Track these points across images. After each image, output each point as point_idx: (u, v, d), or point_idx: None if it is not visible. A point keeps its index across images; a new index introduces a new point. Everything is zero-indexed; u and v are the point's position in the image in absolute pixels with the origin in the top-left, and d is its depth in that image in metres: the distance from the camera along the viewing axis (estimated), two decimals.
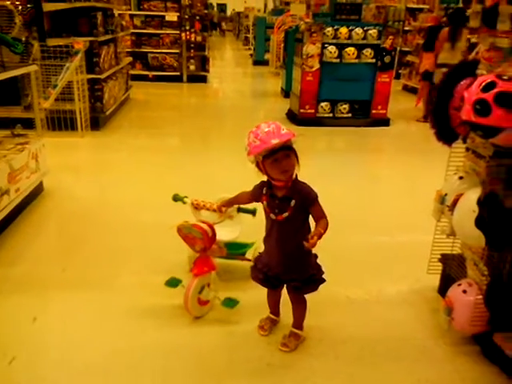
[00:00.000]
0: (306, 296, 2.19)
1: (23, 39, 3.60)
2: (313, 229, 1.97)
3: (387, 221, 3.79)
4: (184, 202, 2.49)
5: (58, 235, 3.53)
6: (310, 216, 2.02)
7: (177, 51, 10.47)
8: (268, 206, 2.02)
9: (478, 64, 2.04)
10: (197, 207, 2.46)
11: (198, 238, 2.29)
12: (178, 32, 10.31)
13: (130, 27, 9.10)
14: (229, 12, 36.31)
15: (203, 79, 10.77)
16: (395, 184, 4.79)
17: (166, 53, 10.47)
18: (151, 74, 10.50)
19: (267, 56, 14.17)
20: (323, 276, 2.13)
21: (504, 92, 1.73)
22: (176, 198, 2.50)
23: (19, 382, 2.01)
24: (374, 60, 6.68)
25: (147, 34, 10.36)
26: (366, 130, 6.86)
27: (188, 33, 10.28)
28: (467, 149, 2.29)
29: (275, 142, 1.84)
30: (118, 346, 2.21)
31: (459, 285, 2.22)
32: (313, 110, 6.81)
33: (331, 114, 6.92)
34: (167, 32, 10.34)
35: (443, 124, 2.15)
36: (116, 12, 7.17)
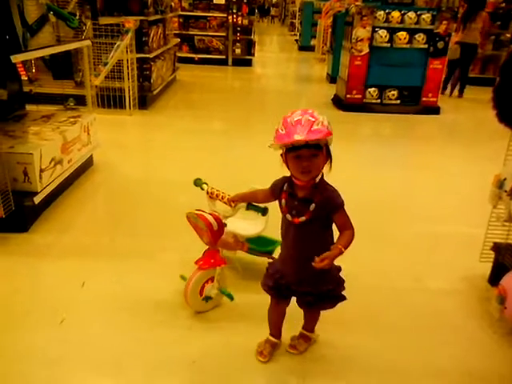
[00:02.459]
0: None
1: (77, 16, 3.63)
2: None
3: (433, 209, 3.70)
4: (202, 189, 2.30)
5: (106, 208, 3.62)
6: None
7: (223, 34, 10.47)
8: (286, 205, 1.76)
9: None
10: (211, 196, 2.26)
11: (204, 230, 2.12)
12: (225, 15, 10.30)
13: (178, 9, 9.14)
14: None
15: (248, 63, 10.75)
16: (444, 174, 4.63)
17: (213, 36, 10.49)
18: (197, 56, 10.55)
19: (313, 42, 13.98)
20: (343, 292, 1.88)
21: None
22: (196, 183, 2.31)
23: (69, 339, 2.08)
24: (426, 45, 6.49)
25: (194, 17, 10.39)
26: (415, 117, 6.68)
27: (235, 16, 10.26)
28: None
29: (298, 138, 1.56)
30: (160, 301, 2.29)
31: None
32: (360, 96, 6.68)
33: (379, 100, 6.77)
34: (214, 15, 10.34)
35: (507, 105, 2.05)
36: None
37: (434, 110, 6.81)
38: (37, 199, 2.93)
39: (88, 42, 3.79)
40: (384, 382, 1.96)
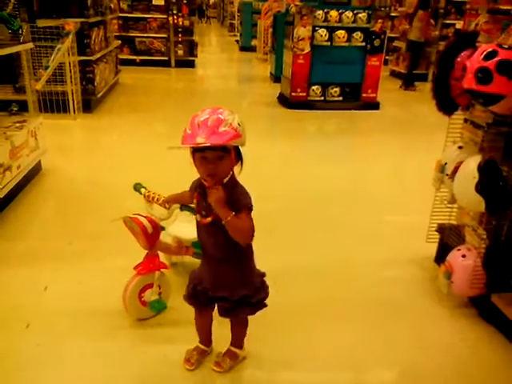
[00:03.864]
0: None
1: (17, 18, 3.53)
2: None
3: (379, 199, 3.91)
4: (140, 193, 2.23)
5: (57, 212, 3.55)
6: None
7: (164, 36, 10.38)
8: (197, 206, 1.72)
9: (477, 36, 2.12)
10: (148, 200, 2.20)
11: (139, 234, 2.06)
12: (165, 16, 10.21)
13: (117, 10, 8.99)
14: None
15: (191, 64, 10.72)
16: (386, 165, 4.89)
17: (154, 37, 10.38)
18: (138, 58, 10.39)
19: (254, 42, 14.14)
20: (264, 301, 1.80)
21: (505, 60, 1.83)
22: (135, 188, 2.25)
23: (36, 343, 2.06)
24: (363, 43, 6.77)
25: (134, 18, 10.23)
26: (357, 113, 6.96)
27: (175, 17, 10.20)
28: (465, 120, 2.39)
29: (199, 141, 1.48)
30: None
31: (458, 250, 2.33)
32: (304, 94, 6.87)
33: (322, 98, 6.99)
34: (154, 16, 10.24)
35: (444, 95, 2.23)
36: None
37: (374, 105, 7.12)
38: None
39: (30, 45, 3.69)
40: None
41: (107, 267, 2.62)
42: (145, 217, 2.07)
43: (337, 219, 3.47)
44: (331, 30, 6.62)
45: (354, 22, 6.64)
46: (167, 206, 2.10)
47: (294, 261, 2.81)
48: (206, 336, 1.99)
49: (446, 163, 2.36)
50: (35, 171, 3.81)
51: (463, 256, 2.28)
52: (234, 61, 13.55)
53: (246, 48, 14.57)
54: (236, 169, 1.65)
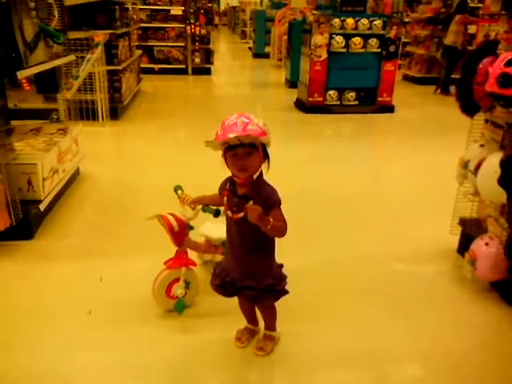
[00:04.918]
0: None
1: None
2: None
3: (401, 198, 4.12)
4: (177, 195, 2.33)
5: (98, 213, 3.77)
6: None
7: (182, 44, 10.69)
8: (227, 203, 1.88)
9: (497, 44, 2.33)
10: (182, 201, 2.30)
11: (167, 231, 2.25)
12: (183, 25, 10.53)
13: (138, 21, 9.30)
14: (222, 6, 36.38)
15: (208, 71, 11.00)
16: (403, 164, 5.09)
17: (172, 46, 10.69)
18: (157, 66, 10.70)
19: (267, 49, 14.41)
20: (286, 288, 1.97)
21: None
22: (175, 189, 2.34)
23: (99, 326, 2.29)
24: (379, 49, 6.99)
25: (153, 28, 10.56)
26: (372, 116, 7.16)
27: (193, 26, 10.51)
28: (486, 120, 2.59)
29: (231, 136, 1.68)
30: None
31: (481, 239, 2.53)
32: (321, 98, 7.10)
33: (338, 102, 7.21)
34: (172, 26, 10.56)
35: (467, 98, 2.44)
36: (130, 6, 7.39)
37: (389, 108, 7.33)
38: (42, 206, 3.09)
39: (72, 57, 3.96)
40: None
41: (149, 262, 2.69)
42: (173, 216, 2.25)
43: (358, 218, 3.65)
44: (347, 37, 6.85)
45: (370, 29, 6.87)
46: (192, 206, 2.25)
47: (320, 256, 3.01)
48: (251, 317, 2.19)
49: (468, 160, 2.56)
50: (75, 175, 4.06)
51: (486, 244, 2.48)
52: (248, 67, 13.83)
53: (259, 55, 14.84)
54: (263, 167, 1.84)
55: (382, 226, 3.50)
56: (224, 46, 20.42)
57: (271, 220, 1.75)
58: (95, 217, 3.70)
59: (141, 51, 8.86)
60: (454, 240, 3.08)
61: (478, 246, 2.50)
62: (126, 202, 3.83)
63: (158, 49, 10.67)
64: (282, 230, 1.80)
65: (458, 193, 2.82)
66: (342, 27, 6.81)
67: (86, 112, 5.94)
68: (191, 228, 2.39)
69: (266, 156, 1.82)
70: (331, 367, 2.08)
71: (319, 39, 6.74)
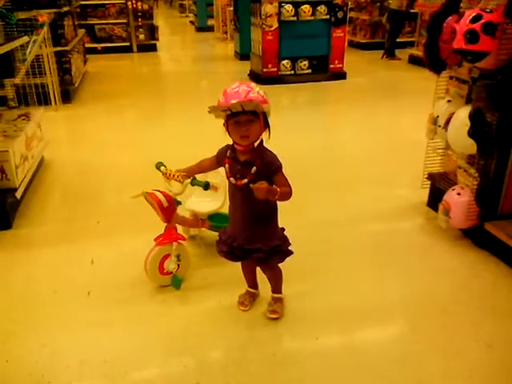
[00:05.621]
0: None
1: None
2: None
3: (366, 157, 4.31)
4: (161, 171, 2.35)
5: (70, 198, 3.69)
6: None
7: (124, 21, 10.36)
8: (230, 170, 1.93)
9: (460, 2, 2.47)
10: (167, 177, 2.32)
11: (156, 207, 2.27)
12: (123, 1, 10.17)
13: None
14: None
15: (153, 48, 10.75)
16: (359, 127, 5.31)
17: (113, 23, 10.33)
18: (100, 46, 10.34)
19: (211, 22, 14.19)
20: (290, 248, 2.06)
21: (489, 22, 2.18)
22: (156, 166, 2.35)
23: (98, 307, 2.31)
24: (328, 16, 7.07)
25: (92, 5, 10.13)
26: (326, 84, 7.31)
27: (134, 1, 10.17)
28: (451, 77, 2.75)
29: (233, 101, 1.73)
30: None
31: (453, 189, 2.71)
32: (275, 69, 7.14)
33: (292, 71, 7.29)
34: (112, 2, 10.17)
35: (434, 56, 2.57)
36: None
37: (342, 75, 7.49)
38: (18, 194, 3.01)
39: (26, 39, 3.79)
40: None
41: (137, 240, 2.76)
42: (161, 192, 2.28)
43: (331, 183, 3.77)
44: (296, 6, 6.88)
45: None
46: (181, 180, 2.24)
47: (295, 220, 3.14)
48: (252, 280, 2.27)
49: (437, 116, 2.72)
50: (40, 162, 3.94)
51: (458, 194, 2.67)
52: (194, 42, 13.59)
53: (202, 28, 14.60)
54: (264, 135, 1.90)
55: (356, 189, 3.64)
56: (164, 22, 19.85)
57: (278, 189, 1.81)
58: (68, 201, 3.64)
59: (84, 30, 8.51)
60: (424, 195, 3.29)
61: (451, 196, 2.69)
62: (96, 185, 3.79)
63: (100, 27, 10.30)
64: (288, 195, 1.87)
65: (427, 149, 2.99)
66: None
67: (36, 96, 5.69)
68: (179, 203, 2.42)
69: (266, 124, 1.87)
70: (331, 321, 2.20)
71: (269, 8, 6.74)
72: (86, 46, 9.84)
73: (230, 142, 1.95)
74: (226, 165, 1.95)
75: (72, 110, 6.02)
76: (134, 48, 10.56)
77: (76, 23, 7.91)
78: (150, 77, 8.72)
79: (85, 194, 3.62)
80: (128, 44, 10.50)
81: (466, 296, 2.38)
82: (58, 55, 5.98)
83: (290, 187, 1.89)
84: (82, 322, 2.20)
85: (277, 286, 2.21)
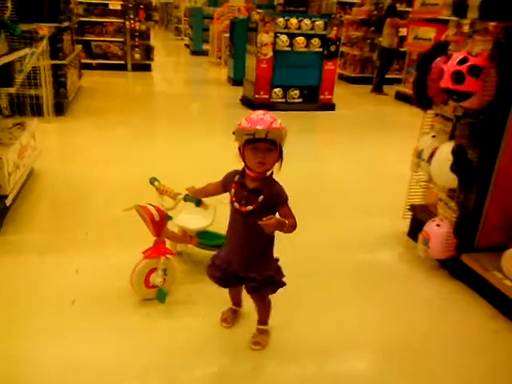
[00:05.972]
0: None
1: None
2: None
3: (352, 189, 4.44)
4: (154, 186, 2.47)
5: (59, 208, 3.72)
6: None
7: (121, 40, 10.50)
8: (235, 195, 1.93)
9: (448, 45, 2.63)
10: (160, 192, 2.45)
11: (147, 221, 2.33)
12: (122, 20, 10.34)
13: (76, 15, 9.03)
14: (153, 2, 35.73)
15: (148, 68, 10.88)
16: (346, 157, 5.46)
17: (110, 41, 10.47)
18: (95, 62, 10.44)
19: (205, 46, 14.46)
20: (283, 279, 2.07)
21: (474, 65, 2.33)
22: (150, 181, 2.48)
23: (82, 316, 2.34)
24: (320, 49, 7.32)
25: (90, 22, 10.28)
26: (315, 113, 7.50)
27: (132, 21, 10.36)
28: (436, 114, 2.90)
29: (260, 127, 1.75)
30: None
31: (433, 221, 2.83)
32: (267, 96, 7.32)
33: (284, 99, 7.47)
34: (111, 20, 10.34)
35: (422, 93, 2.72)
36: None
37: (331, 106, 7.70)
38: (8, 201, 3.03)
39: (28, 51, 3.86)
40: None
41: (124, 252, 2.75)
42: (153, 206, 2.34)
43: (317, 209, 3.86)
44: (291, 37, 7.12)
45: (312, 29, 7.18)
46: (174, 196, 2.37)
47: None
48: (237, 298, 2.32)
49: (422, 150, 2.85)
50: (30, 171, 3.97)
51: (438, 225, 2.78)
52: (188, 64, 13.81)
53: (197, 52, 14.84)
54: (276, 166, 1.92)
55: (342, 216, 3.74)
56: (160, 43, 20.12)
57: (286, 222, 1.83)
58: (57, 211, 3.66)
59: (81, 46, 8.63)
60: (405, 225, 3.40)
61: (431, 227, 2.80)
62: (85, 197, 3.84)
63: (96, 44, 10.41)
64: (294, 227, 1.89)
65: (410, 181, 3.12)
66: (286, 26, 7.07)
67: (30, 107, 5.74)
68: (170, 218, 2.47)
69: (280, 156, 1.91)
70: (311, 350, 2.21)
71: (265, 38, 6.95)
72: (82, 61, 9.97)
73: (233, 167, 1.98)
74: (232, 189, 1.95)
75: (64, 123, 6.06)
76: (129, 67, 10.69)
77: (74, 38, 8.04)
78: (143, 96, 8.83)
79: (74, 205, 3.66)
80: (123, 62, 10.62)
81: (442, 325, 2.46)
82: (54, 68, 6.05)
83: (295, 219, 1.90)
84: (66, 329, 2.22)
85: (264, 318, 2.22)
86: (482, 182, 2.57)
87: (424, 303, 2.66)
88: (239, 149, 1.89)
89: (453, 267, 2.86)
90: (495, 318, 2.51)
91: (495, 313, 2.54)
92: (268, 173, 1.92)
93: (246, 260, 2.00)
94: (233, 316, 2.32)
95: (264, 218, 1.79)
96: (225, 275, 2.05)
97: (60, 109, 6.17)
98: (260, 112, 1.85)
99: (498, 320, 2.49)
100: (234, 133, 1.85)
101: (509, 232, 2.66)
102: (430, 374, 2.10)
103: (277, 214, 1.91)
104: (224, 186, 2.04)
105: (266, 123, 1.79)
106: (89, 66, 10.24)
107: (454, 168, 2.51)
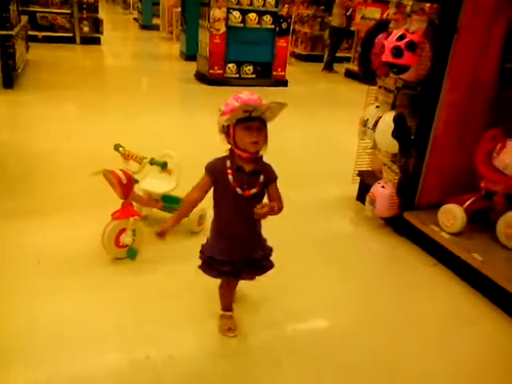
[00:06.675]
0: None
1: None
2: None
3: (307, 157, 4.68)
4: (119, 152, 2.63)
5: (22, 177, 3.73)
6: None
7: (68, 11, 10.20)
8: (234, 181, 1.81)
9: (389, 23, 2.88)
10: (125, 157, 2.59)
11: (115, 184, 2.44)
12: None
13: None
14: None
15: (97, 41, 10.64)
16: (298, 130, 5.73)
17: (57, 13, 10.14)
18: (41, 34, 10.09)
19: (156, 21, 14.24)
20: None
21: (411, 41, 2.60)
22: (115, 147, 2.63)
23: (52, 274, 2.46)
24: (272, 26, 7.48)
25: None
26: (269, 89, 7.66)
27: None
28: (380, 86, 3.17)
29: (263, 103, 1.74)
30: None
31: (379, 183, 3.12)
32: (221, 71, 7.43)
33: (237, 75, 7.61)
34: None
35: (366, 67, 2.98)
36: None
37: (283, 82, 7.92)
38: None
39: None
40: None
41: (91, 217, 2.89)
42: (121, 170, 2.47)
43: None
44: (244, 13, 7.23)
45: (264, 5, 7.32)
46: (139, 160, 2.52)
47: None
48: (230, 302, 2.18)
49: (367, 119, 3.12)
50: None
51: (382, 187, 3.08)
52: (138, 39, 13.56)
53: (147, 26, 14.60)
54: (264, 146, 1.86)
55: (297, 184, 3.88)
56: (107, 17, 19.50)
57: (275, 207, 1.81)
58: (21, 181, 3.68)
59: (27, 17, 8.34)
60: (354, 190, 3.69)
61: (376, 189, 3.10)
62: (47, 166, 3.88)
63: (42, 15, 10.06)
64: (281, 209, 1.87)
65: (358, 149, 3.40)
66: (238, 2, 7.18)
67: None
68: (136, 181, 2.61)
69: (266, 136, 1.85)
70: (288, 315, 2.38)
71: (218, 13, 7.02)
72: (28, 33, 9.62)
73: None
74: (229, 176, 1.82)
75: (14, 96, 5.94)
76: (78, 40, 10.41)
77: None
78: (94, 70, 8.69)
79: (29, 176, 3.68)
80: (71, 35, 10.33)
81: (390, 274, 2.79)
82: (1, 39, 5.88)
83: (281, 201, 1.89)
84: (31, 288, 2.34)
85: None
86: (420, 146, 2.88)
87: (375, 256, 2.97)
88: (223, 131, 1.82)
89: (397, 224, 3.17)
90: (432, 261, 2.88)
91: (434, 261, 2.88)
92: (261, 152, 1.86)
93: (252, 243, 1.97)
94: (232, 321, 2.17)
95: (258, 206, 1.78)
96: (234, 266, 1.95)
97: (9, 81, 6.02)
98: (246, 92, 1.83)
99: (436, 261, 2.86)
100: (223, 113, 1.79)
101: (445, 191, 2.98)
102: (380, 320, 2.37)
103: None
104: (213, 176, 1.87)
105: (257, 101, 1.78)
106: (35, 39, 9.87)
107: (395, 134, 2.80)
